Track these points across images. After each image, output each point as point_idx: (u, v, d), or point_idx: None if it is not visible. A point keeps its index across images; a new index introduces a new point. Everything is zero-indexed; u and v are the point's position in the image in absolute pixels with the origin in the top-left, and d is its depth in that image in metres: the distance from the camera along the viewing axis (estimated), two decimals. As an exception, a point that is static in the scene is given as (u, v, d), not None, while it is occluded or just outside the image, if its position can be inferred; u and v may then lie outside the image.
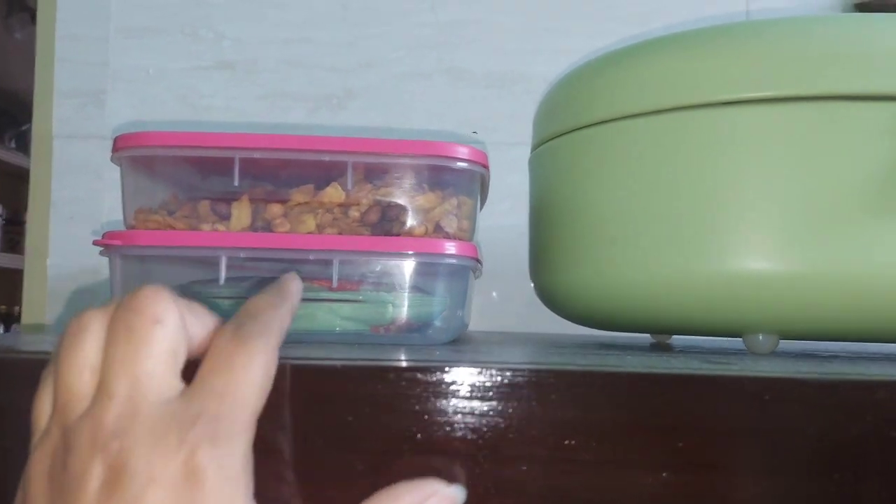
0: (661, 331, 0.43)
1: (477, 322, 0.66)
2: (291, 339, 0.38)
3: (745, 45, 0.37)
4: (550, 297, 0.45)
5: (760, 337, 0.39)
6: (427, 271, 0.37)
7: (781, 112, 0.35)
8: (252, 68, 0.69)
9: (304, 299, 0.37)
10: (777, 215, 0.35)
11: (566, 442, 0.24)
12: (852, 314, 0.36)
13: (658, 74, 0.39)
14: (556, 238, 0.43)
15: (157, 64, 0.69)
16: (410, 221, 0.36)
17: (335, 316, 0.37)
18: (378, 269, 0.37)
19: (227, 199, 0.35)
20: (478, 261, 0.39)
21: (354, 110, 0.68)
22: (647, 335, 0.57)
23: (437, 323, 0.37)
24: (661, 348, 0.45)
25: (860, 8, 0.65)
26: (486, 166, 0.38)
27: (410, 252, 0.36)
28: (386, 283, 0.37)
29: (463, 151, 0.37)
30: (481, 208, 0.53)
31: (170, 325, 0.23)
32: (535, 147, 0.47)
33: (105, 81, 0.69)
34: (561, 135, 0.43)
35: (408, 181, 0.37)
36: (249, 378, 0.23)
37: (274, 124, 0.68)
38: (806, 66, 0.35)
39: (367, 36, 0.69)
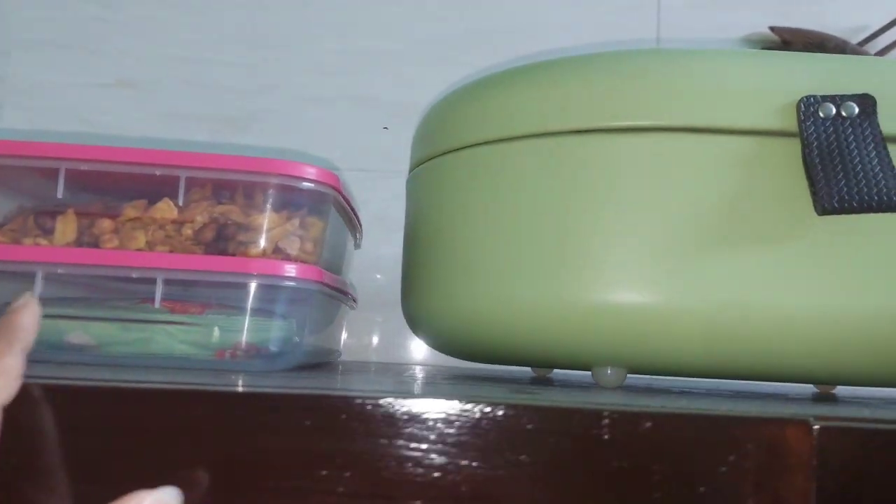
0: (517, 362, 0.42)
1: (363, 352, 0.65)
2: (127, 363, 0.36)
3: (606, 75, 0.36)
4: (414, 326, 0.44)
5: (608, 370, 0.38)
6: (270, 295, 0.36)
7: (636, 143, 0.35)
8: (154, 87, 0.67)
9: (138, 321, 0.36)
10: (626, 247, 0.35)
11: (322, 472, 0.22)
12: (695, 349, 0.36)
13: (519, 101, 0.38)
14: (420, 264, 0.42)
15: (57, 79, 0.67)
16: (248, 241, 0.35)
17: (174, 339, 0.36)
18: (220, 291, 0.36)
19: (52, 212, 0.34)
20: (325, 284, 0.38)
21: (256, 133, 0.67)
22: (528, 368, 0.56)
23: (273, 348, 0.36)
24: (540, 382, 0.44)
25: (766, 48, 0.66)
26: (335, 187, 0.37)
27: (246, 273, 0.34)
28: (231, 307, 0.36)
29: (310, 171, 0.36)
30: (359, 236, 0.52)
31: None
32: (410, 169, 0.47)
33: (2, 95, 0.67)
34: (432, 158, 0.43)
35: (249, 199, 0.36)
36: None
37: (174, 140, 0.66)
38: (663, 97, 0.35)
39: (272, 59, 0.68)
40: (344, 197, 0.40)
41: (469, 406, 0.23)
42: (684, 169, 0.34)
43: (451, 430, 0.23)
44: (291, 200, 0.36)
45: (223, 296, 0.36)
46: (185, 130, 0.67)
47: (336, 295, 0.42)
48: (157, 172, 0.33)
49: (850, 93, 0.34)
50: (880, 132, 0.33)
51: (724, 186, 0.34)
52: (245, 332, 0.35)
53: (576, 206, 0.36)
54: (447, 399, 0.23)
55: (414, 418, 0.23)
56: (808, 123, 0.33)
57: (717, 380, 0.56)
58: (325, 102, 0.68)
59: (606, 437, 0.23)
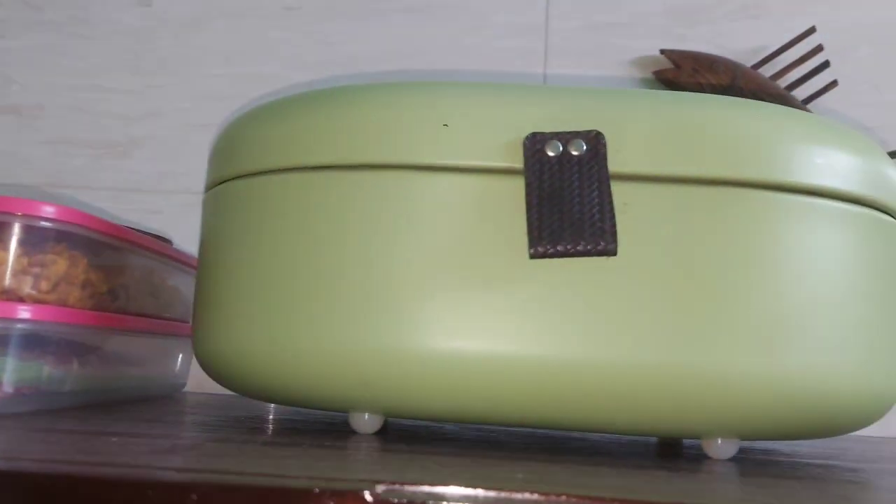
0: (284, 402, 0.40)
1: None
2: None
3: (342, 109, 0.35)
4: (202, 364, 0.43)
5: (366, 416, 0.37)
6: (2, 338, 0.35)
7: (368, 180, 0.34)
8: (38, 114, 0.68)
9: None
10: (358, 289, 0.33)
11: None
12: (444, 395, 0.34)
13: (288, 132, 0.37)
14: (203, 295, 0.41)
15: (-51, 106, 0.68)
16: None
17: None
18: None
19: None
20: (76, 324, 0.37)
21: (138, 158, 0.67)
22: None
23: (7, 389, 0.35)
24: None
25: (657, 71, 0.64)
26: (80, 223, 0.36)
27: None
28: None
29: (48, 210, 0.35)
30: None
31: None
32: (206, 189, 0.45)
33: None
34: (224, 181, 0.41)
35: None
36: None
37: (56, 170, 0.67)
38: (387, 134, 0.33)
39: (157, 85, 0.68)
40: (115, 234, 0.39)
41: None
42: (416, 208, 0.33)
43: None
44: (29, 239, 0.36)
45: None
46: (66, 156, 0.67)
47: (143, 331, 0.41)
48: None
49: (580, 129, 0.32)
50: (606, 172, 0.31)
51: (454, 227, 0.32)
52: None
53: (332, 244, 0.35)
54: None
55: None
56: (532, 162, 0.32)
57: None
58: (210, 128, 0.67)
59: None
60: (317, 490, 0.21)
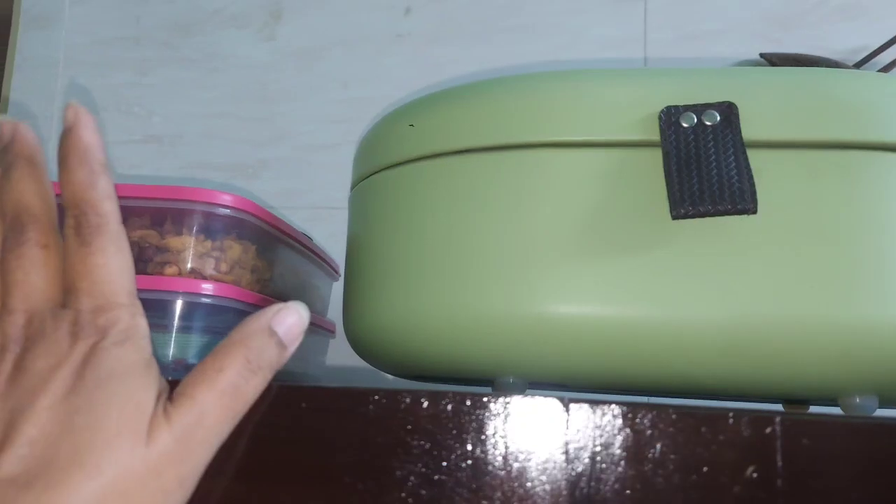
0: (428, 378, 0.43)
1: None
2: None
3: (500, 96, 0.38)
4: (353, 345, 0.47)
5: (510, 380, 0.39)
6: (187, 312, 0.39)
7: (521, 159, 0.37)
8: (177, 141, 0.74)
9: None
10: (505, 259, 0.36)
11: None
12: (585, 360, 0.36)
13: (439, 121, 0.40)
14: (358, 280, 0.45)
15: (97, 139, 0.75)
16: (164, 262, 0.39)
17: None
18: (150, 309, 0.40)
19: None
20: (249, 303, 0.41)
21: (266, 178, 0.73)
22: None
23: (191, 361, 0.39)
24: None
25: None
26: (253, 213, 0.41)
27: (166, 291, 0.38)
28: (156, 325, 0.40)
29: (225, 199, 0.40)
30: (335, 269, 0.56)
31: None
32: (352, 186, 0.49)
33: (48, 153, 0.76)
34: (369, 175, 0.45)
35: (175, 226, 0.40)
36: (109, 271, 0.27)
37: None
38: (528, 114, 0.37)
39: (279, 113, 0.74)
40: (276, 226, 0.43)
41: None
42: (557, 181, 0.36)
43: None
44: (206, 225, 0.40)
45: (153, 315, 0.40)
46: (203, 177, 0.73)
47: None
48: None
49: (714, 101, 0.35)
50: (741, 138, 0.34)
51: (594, 198, 0.35)
52: (171, 347, 0.39)
53: (476, 221, 0.38)
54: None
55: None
56: (668, 133, 0.34)
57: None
58: (330, 148, 0.73)
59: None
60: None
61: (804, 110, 0.35)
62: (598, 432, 0.28)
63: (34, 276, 0.27)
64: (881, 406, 0.37)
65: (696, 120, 0.34)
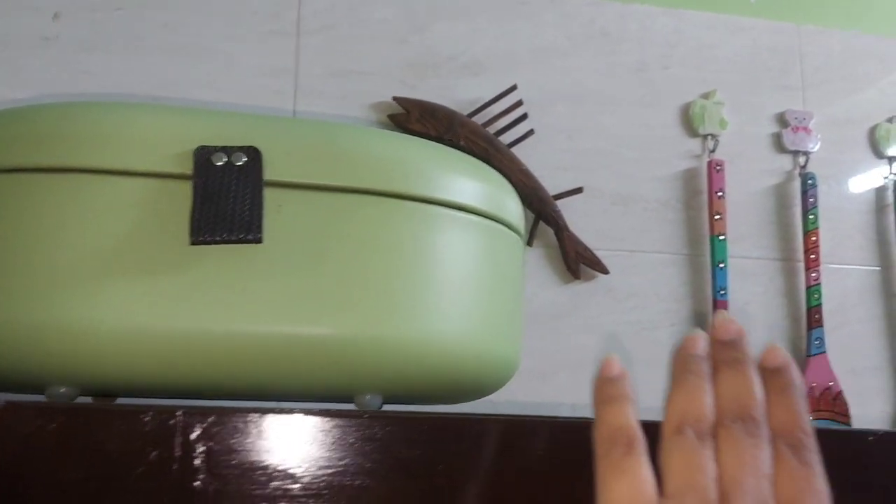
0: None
1: None
2: None
3: (43, 121, 0.41)
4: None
5: (62, 389, 0.41)
6: None
7: (60, 182, 0.39)
8: None
9: None
10: (42, 275, 0.38)
11: None
12: (122, 369, 0.40)
13: None
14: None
15: None
16: None
17: None
18: None
19: None
20: None
21: None
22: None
23: None
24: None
25: (392, 115, 0.74)
26: None
27: None
28: None
29: None
30: None
31: None
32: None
33: None
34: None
35: None
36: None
37: None
38: (80, 142, 0.39)
39: None
40: None
41: None
42: (92, 205, 0.39)
43: None
44: None
45: None
46: None
47: None
48: None
49: (241, 145, 0.40)
50: (261, 178, 0.39)
51: (132, 221, 0.39)
52: None
53: (24, 237, 0.39)
54: None
55: None
56: (201, 168, 0.39)
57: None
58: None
59: None
60: None
61: (323, 157, 0.41)
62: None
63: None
64: (386, 402, 0.44)
65: (226, 159, 0.39)
